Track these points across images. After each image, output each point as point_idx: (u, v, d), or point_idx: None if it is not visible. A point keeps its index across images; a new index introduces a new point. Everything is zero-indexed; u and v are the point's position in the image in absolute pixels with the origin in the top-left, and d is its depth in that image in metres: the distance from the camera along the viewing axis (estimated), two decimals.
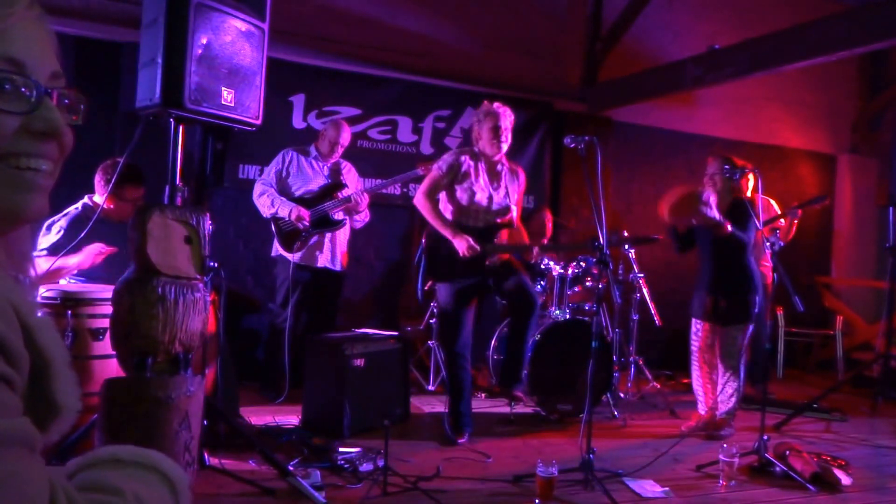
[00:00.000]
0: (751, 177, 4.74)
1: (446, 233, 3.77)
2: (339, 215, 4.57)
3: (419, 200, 3.86)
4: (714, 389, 4.19)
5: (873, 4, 4.29)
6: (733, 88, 6.52)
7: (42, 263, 3.36)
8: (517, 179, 3.99)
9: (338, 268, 4.66)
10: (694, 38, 6.26)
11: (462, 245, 3.72)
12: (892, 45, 4.34)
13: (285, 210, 4.38)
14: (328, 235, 4.58)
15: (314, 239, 4.52)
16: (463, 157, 3.85)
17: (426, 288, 4.02)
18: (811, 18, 4.73)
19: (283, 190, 4.51)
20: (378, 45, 5.62)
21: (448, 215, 3.86)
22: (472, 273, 3.81)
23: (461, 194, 3.83)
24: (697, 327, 4.24)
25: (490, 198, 3.86)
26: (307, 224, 4.40)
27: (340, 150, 4.65)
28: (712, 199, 4.01)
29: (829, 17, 4.61)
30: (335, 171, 4.66)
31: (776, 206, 5.38)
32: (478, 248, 3.74)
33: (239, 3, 2.80)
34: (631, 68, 6.17)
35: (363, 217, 4.66)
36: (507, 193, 3.91)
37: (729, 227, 3.95)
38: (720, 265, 4.11)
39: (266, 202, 4.44)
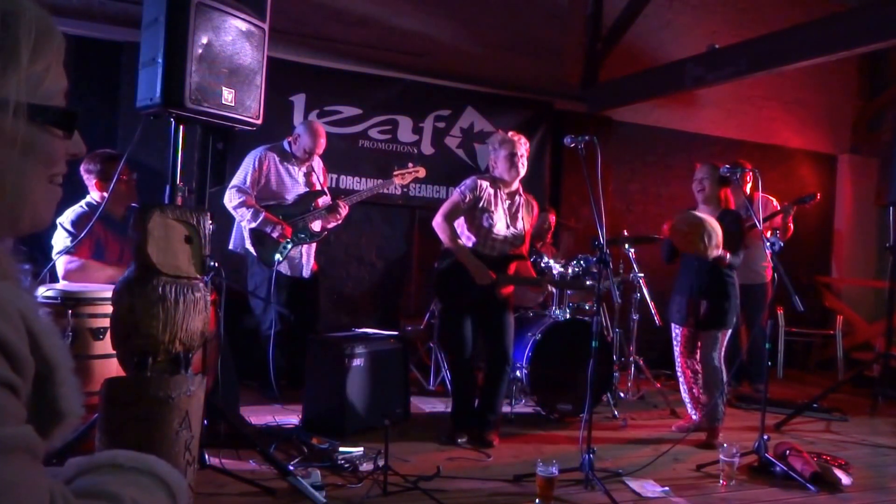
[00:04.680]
0: (748, 177, 4.75)
1: (464, 260, 3.79)
2: (317, 226, 4.58)
3: (438, 224, 3.84)
4: (701, 395, 4.17)
5: (873, 4, 4.29)
6: (733, 88, 6.52)
7: (60, 265, 3.37)
8: (531, 212, 4.02)
9: (308, 275, 4.66)
10: (694, 38, 6.27)
11: (479, 274, 3.74)
12: (892, 45, 4.34)
13: (268, 226, 4.34)
14: (305, 246, 4.60)
15: (296, 251, 4.53)
16: (483, 184, 3.86)
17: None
18: (811, 18, 4.73)
19: (260, 197, 4.44)
20: (378, 45, 5.62)
21: (465, 241, 3.86)
22: (479, 297, 3.85)
23: (482, 222, 3.83)
24: (677, 332, 4.23)
25: (508, 228, 3.87)
26: (288, 239, 4.40)
27: (315, 156, 4.62)
28: (703, 212, 4.00)
29: (829, 17, 4.61)
30: (309, 173, 4.64)
31: (777, 204, 5.38)
32: (493, 276, 3.76)
33: (239, 3, 2.80)
34: (631, 68, 6.17)
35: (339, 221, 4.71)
36: (523, 226, 3.93)
37: (728, 258, 3.95)
38: (704, 271, 4.05)
39: (247, 215, 4.33)
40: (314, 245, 4.70)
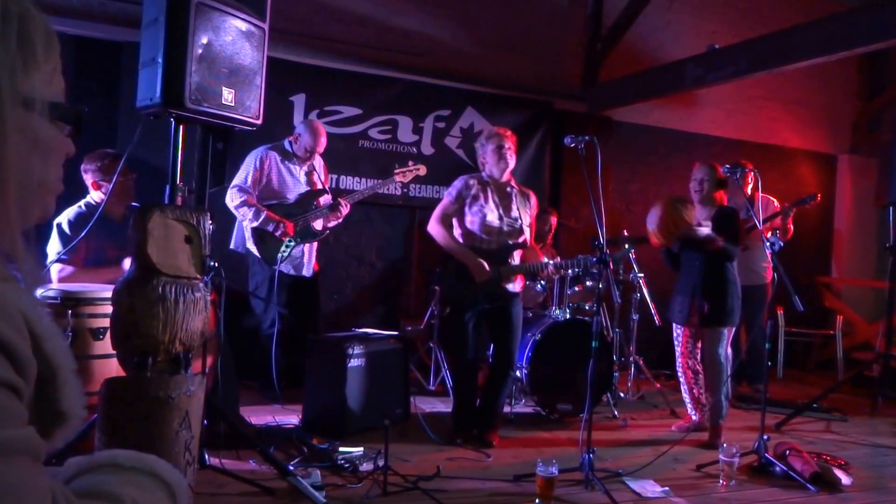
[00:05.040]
0: (749, 178, 4.74)
1: (461, 257, 3.83)
2: (319, 224, 4.58)
3: (432, 227, 3.93)
4: (701, 396, 4.17)
5: (873, 4, 4.29)
6: (733, 88, 6.52)
7: (53, 273, 3.37)
8: (529, 202, 4.03)
9: (310, 274, 4.66)
10: (694, 38, 6.27)
11: (478, 270, 3.78)
12: (892, 45, 4.34)
13: (270, 225, 4.34)
14: (307, 245, 4.59)
15: (298, 250, 4.53)
16: (471, 182, 3.92)
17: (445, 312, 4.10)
18: (811, 18, 4.73)
19: (261, 196, 4.44)
20: (378, 45, 5.62)
21: (461, 239, 3.90)
22: (485, 299, 3.87)
23: (472, 217, 3.88)
24: (678, 332, 4.23)
25: (501, 219, 3.89)
26: (291, 237, 4.40)
27: (316, 155, 4.62)
28: (701, 213, 4.03)
29: (829, 17, 4.61)
30: (310, 172, 4.64)
31: (777, 205, 5.38)
32: (490, 272, 3.78)
33: (239, 3, 2.80)
34: (631, 68, 6.17)
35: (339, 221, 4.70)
36: (519, 215, 3.94)
37: (720, 242, 3.95)
38: (705, 270, 4.05)
39: (248, 214, 4.34)
40: (316, 244, 4.70)
